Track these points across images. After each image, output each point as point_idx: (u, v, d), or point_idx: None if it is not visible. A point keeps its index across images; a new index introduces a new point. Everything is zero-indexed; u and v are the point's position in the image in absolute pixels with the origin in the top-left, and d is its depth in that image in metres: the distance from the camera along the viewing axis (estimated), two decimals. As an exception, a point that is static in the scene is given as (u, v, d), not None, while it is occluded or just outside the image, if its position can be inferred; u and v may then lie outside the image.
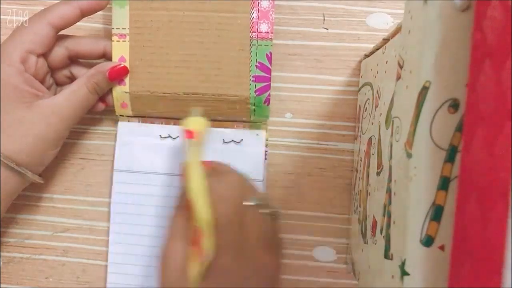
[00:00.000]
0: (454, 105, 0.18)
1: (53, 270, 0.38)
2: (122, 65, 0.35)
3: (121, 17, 0.35)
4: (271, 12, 0.35)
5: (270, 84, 0.35)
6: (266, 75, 0.35)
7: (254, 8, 0.35)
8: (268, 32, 0.35)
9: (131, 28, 0.35)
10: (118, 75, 0.35)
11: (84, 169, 0.38)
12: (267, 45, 0.35)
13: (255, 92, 0.35)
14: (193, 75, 0.35)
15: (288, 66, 0.38)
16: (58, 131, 0.33)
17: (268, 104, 0.36)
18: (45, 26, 0.32)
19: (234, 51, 0.35)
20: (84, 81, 0.33)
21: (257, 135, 0.37)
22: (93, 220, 0.38)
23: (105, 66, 0.34)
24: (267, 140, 0.37)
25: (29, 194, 0.38)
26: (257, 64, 0.35)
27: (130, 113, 0.37)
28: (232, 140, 0.37)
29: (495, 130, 0.15)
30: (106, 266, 0.37)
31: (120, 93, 0.36)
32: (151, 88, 0.36)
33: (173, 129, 0.37)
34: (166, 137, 0.37)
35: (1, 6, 0.38)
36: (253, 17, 0.35)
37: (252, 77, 0.35)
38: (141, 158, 0.37)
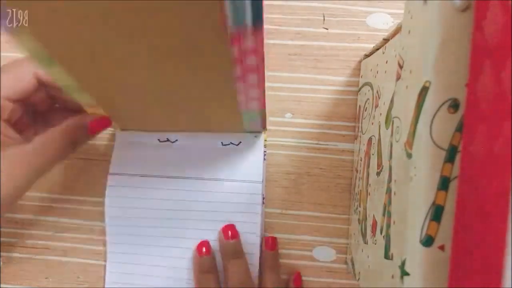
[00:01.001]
0: (454, 105, 0.18)
1: (53, 270, 0.38)
2: (104, 119, 0.32)
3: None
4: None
5: (265, 112, 0.32)
6: (261, 121, 0.33)
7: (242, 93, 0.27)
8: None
9: (82, 83, 0.26)
10: (100, 127, 0.32)
11: (84, 169, 0.38)
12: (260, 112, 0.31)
13: (249, 126, 0.35)
14: (178, 115, 0.32)
15: (288, 66, 0.38)
16: (23, 181, 0.30)
17: (265, 127, 0.36)
18: (30, 75, 0.29)
19: (225, 114, 0.31)
20: (60, 133, 0.30)
21: (255, 137, 0.37)
22: (93, 220, 0.38)
23: (86, 118, 0.31)
24: (265, 141, 0.37)
25: (29, 194, 0.38)
26: (250, 121, 0.33)
27: (119, 129, 0.37)
28: (231, 143, 0.37)
29: (495, 130, 0.15)
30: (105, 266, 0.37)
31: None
32: (138, 126, 0.35)
33: (171, 135, 0.37)
34: (164, 141, 0.37)
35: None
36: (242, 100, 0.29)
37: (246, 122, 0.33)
38: (138, 161, 0.37)
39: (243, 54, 0.22)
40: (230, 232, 0.35)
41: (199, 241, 0.36)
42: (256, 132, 0.37)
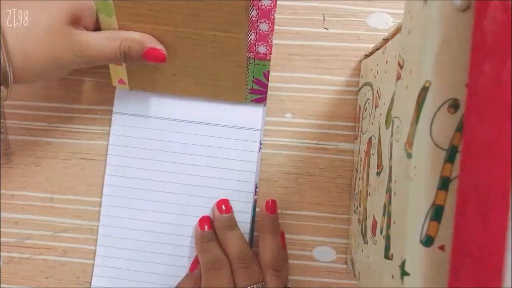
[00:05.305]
0: (454, 105, 0.18)
1: (53, 270, 0.38)
2: (162, 52, 0.33)
3: (109, 26, 0.33)
4: (270, 36, 0.35)
5: (266, 96, 0.37)
6: (263, 89, 0.36)
7: (253, 31, 0.35)
8: (266, 54, 0.35)
9: None
10: (153, 57, 0.33)
11: (84, 169, 0.38)
12: (265, 65, 0.36)
13: (251, 101, 0.37)
14: (190, 83, 0.36)
15: (288, 66, 0.38)
16: (65, 63, 0.31)
17: (265, 100, 0.37)
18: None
19: (231, 67, 0.35)
20: (120, 39, 0.32)
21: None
22: (93, 220, 0.38)
23: (148, 42, 0.33)
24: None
25: (29, 194, 0.38)
26: (254, 80, 0.36)
27: (127, 88, 0.37)
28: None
29: (495, 130, 0.15)
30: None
31: (118, 69, 0.36)
32: (150, 88, 0.36)
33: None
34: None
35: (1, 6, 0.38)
36: (250, 39, 0.35)
37: (249, 89, 0.36)
38: (141, 102, 0.38)
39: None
40: (224, 207, 0.36)
41: (197, 215, 0.37)
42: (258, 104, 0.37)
